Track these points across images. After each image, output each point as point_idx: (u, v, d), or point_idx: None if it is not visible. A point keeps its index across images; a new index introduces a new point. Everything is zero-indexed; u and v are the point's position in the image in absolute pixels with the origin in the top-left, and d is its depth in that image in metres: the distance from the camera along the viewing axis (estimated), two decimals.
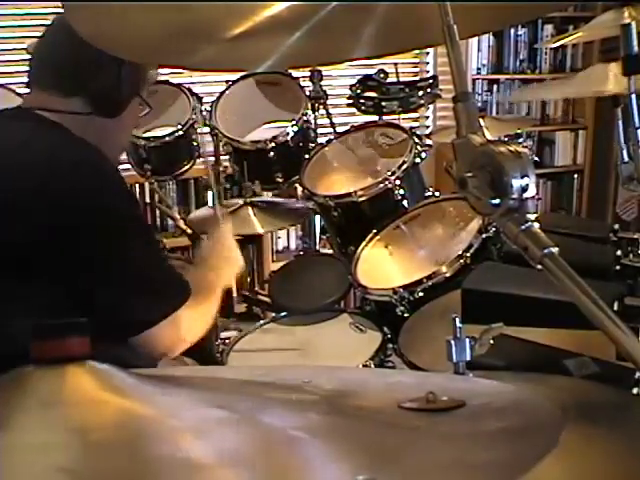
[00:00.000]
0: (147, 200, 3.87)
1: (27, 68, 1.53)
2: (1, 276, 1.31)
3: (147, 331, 1.39)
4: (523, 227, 0.69)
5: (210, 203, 3.46)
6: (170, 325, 1.40)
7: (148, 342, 1.40)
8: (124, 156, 2.53)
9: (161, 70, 2.82)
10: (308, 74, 2.84)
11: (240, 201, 2.71)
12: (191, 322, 1.46)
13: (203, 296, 1.52)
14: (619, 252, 1.83)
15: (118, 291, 1.37)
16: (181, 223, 2.48)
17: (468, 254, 1.92)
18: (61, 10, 0.82)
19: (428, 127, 4.36)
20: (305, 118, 2.71)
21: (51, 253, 1.30)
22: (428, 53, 4.31)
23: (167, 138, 2.70)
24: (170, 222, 3.78)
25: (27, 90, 1.55)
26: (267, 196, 2.95)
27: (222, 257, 1.68)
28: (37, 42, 1.53)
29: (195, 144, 2.84)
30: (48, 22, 1.53)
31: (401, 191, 2.27)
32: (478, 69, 4.43)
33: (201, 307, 1.51)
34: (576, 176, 4.70)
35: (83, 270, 1.34)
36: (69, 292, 1.32)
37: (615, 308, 1.32)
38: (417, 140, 2.37)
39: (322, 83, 2.83)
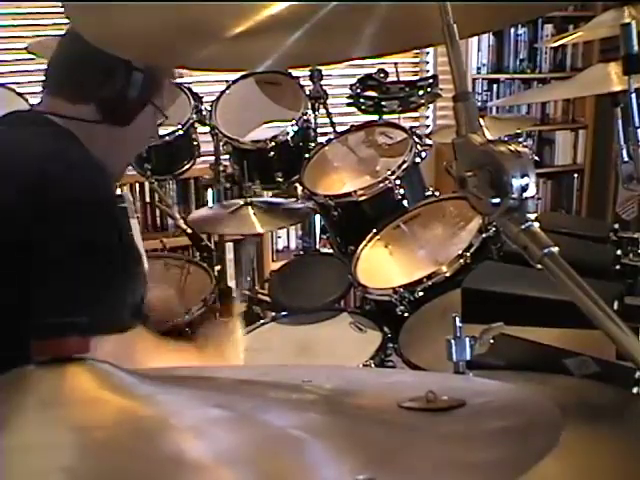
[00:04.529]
0: (147, 200, 3.87)
1: (29, 68, 1.54)
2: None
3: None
4: (523, 226, 0.69)
5: (210, 204, 3.45)
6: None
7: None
8: None
9: None
10: (308, 73, 2.84)
11: (240, 201, 2.71)
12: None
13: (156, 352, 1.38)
14: (619, 251, 1.83)
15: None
16: (181, 222, 2.48)
17: (468, 253, 1.92)
18: (61, 10, 0.81)
19: (428, 127, 4.36)
20: (305, 118, 2.71)
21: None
22: (428, 53, 4.31)
23: (167, 137, 2.70)
24: (170, 222, 3.78)
25: (31, 90, 1.54)
26: (267, 195, 2.96)
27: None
28: (55, 48, 1.53)
29: (195, 144, 2.85)
30: (48, 22, 1.54)
31: (401, 191, 2.27)
32: (478, 68, 4.43)
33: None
34: (576, 176, 4.69)
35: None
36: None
37: (615, 307, 1.32)
38: (417, 140, 2.38)
39: (322, 82, 2.83)
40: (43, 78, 1.52)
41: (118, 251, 1.35)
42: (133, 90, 1.47)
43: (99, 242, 1.31)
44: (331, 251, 2.63)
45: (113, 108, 1.47)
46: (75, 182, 1.34)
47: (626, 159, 1.81)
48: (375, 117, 2.82)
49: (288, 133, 2.66)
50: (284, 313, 2.28)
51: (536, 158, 4.29)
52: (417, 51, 4.19)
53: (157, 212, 3.88)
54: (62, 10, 0.81)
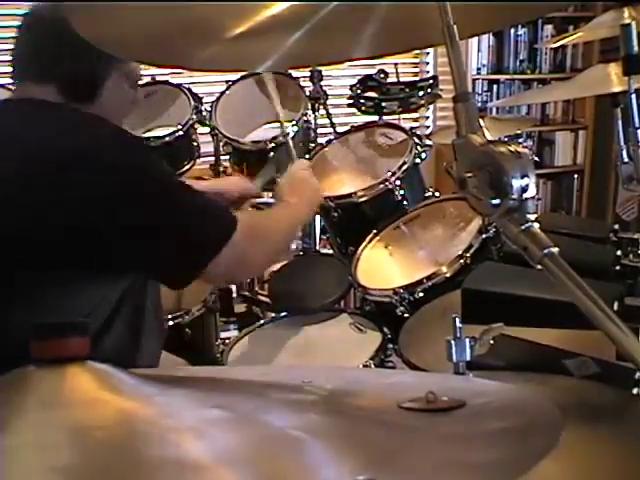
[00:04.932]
0: None
1: None
2: (9, 274, 1.30)
3: (200, 274, 1.40)
4: (523, 227, 0.69)
5: None
6: (221, 261, 1.39)
7: (206, 279, 1.47)
8: None
9: (161, 70, 2.83)
10: (308, 74, 2.84)
11: None
12: (252, 247, 1.47)
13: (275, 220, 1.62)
14: (619, 252, 1.83)
15: (162, 262, 1.38)
16: None
17: (468, 254, 1.92)
18: None
19: (428, 127, 4.36)
20: (305, 118, 2.70)
21: (77, 243, 1.29)
22: (428, 53, 4.31)
23: (167, 138, 2.69)
24: None
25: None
26: (267, 196, 2.95)
27: (299, 185, 1.78)
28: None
29: (195, 144, 2.84)
30: None
31: (401, 191, 2.27)
32: (478, 69, 4.43)
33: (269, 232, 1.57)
34: (576, 176, 4.70)
35: (116, 245, 1.32)
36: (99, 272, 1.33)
37: (615, 308, 1.32)
38: (417, 140, 2.38)
39: (322, 83, 2.83)
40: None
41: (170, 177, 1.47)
42: (91, 63, 1.43)
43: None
44: (331, 252, 2.63)
45: (72, 85, 1.43)
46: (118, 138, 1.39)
47: (626, 160, 1.81)
48: (375, 118, 2.81)
49: (288, 134, 2.66)
50: (284, 314, 2.28)
51: (536, 159, 4.29)
52: (417, 52, 4.19)
53: None
54: None
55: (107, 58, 1.44)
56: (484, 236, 1.93)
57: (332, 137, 2.64)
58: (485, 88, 4.47)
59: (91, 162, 1.30)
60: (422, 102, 2.87)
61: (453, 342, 1.04)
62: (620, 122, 1.92)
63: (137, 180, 1.34)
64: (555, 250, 0.68)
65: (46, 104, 1.42)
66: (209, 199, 1.45)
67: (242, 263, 1.45)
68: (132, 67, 1.53)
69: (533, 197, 0.69)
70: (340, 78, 3.72)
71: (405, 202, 2.28)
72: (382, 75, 2.86)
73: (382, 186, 2.26)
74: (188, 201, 1.41)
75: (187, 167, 2.88)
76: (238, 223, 1.41)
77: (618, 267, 1.79)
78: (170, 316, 2.07)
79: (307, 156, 2.56)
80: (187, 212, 1.39)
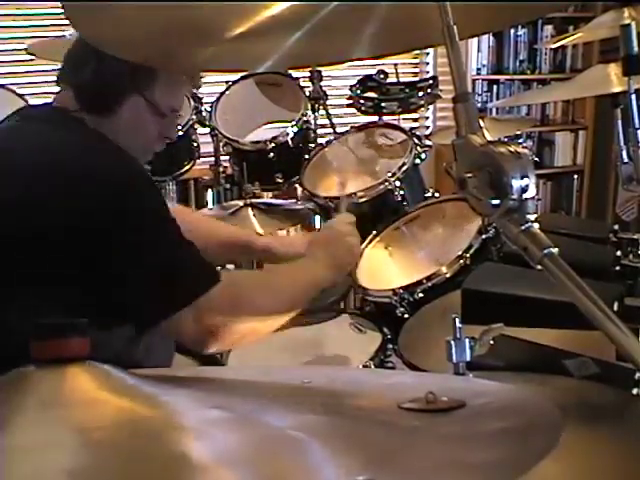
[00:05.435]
0: None
1: (28, 69, 1.54)
2: (11, 275, 1.30)
3: (165, 322, 1.33)
4: (523, 227, 0.69)
5: (210, 205, 3.44)
6: (191, 316, 1.33)
7: (171, 332, 1.37)
8: None
9: None
10: (308, 74, 2.84)
11: (240, 202, 2.71)
12: (233, 312, 1.38)
13: (272, 288, 1.48)
14: (619, 253, 1.83)
15: (135, 290, 1.33)
16: None
17: (468, 255, 1.92)
18: (61, 11, 0.81)
19: (428, 128, 4.36)
20: (305, 118, 2.71)
21: (69, 253, 1.29)
22: (428, 53, 4.31)
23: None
24: None
25: (31, 91, 1.54)
26: (267, 197, 2.95)
27: (334, 245, 1.62)
28: None
29: (195, 144, 2.84)
30: (48, 23, 1.53)
31: (401, 192, 2.27)
32: (478, 69, 4.43)
33: (260, 300, 1.44)
34: (576, 177, 4.70)
35: (101, 271, 1.30)
36: (84, 291, 1.30)
37: (615, 308, 1.32)
38: (417, 141, 2.38)
39: (322, 83, 2.83)
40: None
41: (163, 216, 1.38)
42: (108, 77, 1.40)
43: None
44: None
45: (86, 94, 1.43)
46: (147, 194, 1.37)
47: (626, 160, 1.81)
48: (375, 118, 2.81)
49: (288, 134, 2.66)
50: None
51: (536, 159, 4.29)
52: (417, 52, 4.19)
53: None
54: (62, 11, 0.81)
55: (132, 78, 1.42)
56: (484, 236, 1.93)
57: (332, 137, 2.64)
58: (485, 88, 4.47)
59: (100, 177, 1.31)
60: (422, 102, 2.87)
61: (453, 342, 1.04)
62: (620, 122, 1.92)
63: (133, 203, 1.33)
64: (555, 250, 0.68)
65: (61, 115, 1.43)
66: (196, 250, 1.39)
67: (215, 327, 1.36)
68: (160, 97, 1.48)
69: (533, 197, 0.69)
70: (340, 78, 3.72)
71: (405, 202, 2.28)
72: (382, 75, 2.86)
73: (382, 186, 2.26)
74: (175, 239, 1.37)
75: (187, 167, 2.88)
76: (220, 281, 1.35)
77: (618, 267, 1.79)
78: None
79: (307, 156, 2.56)
80: (171, 249, 1.36)
